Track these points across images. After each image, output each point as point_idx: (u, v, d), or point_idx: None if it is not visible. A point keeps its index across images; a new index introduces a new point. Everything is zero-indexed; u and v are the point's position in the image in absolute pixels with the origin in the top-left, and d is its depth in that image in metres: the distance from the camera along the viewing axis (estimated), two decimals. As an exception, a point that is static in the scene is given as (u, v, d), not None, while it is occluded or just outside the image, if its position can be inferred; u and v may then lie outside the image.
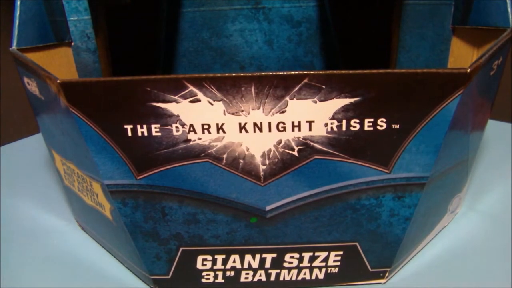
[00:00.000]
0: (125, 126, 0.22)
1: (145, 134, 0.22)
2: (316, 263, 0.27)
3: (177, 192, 0.24)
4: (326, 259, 0.27)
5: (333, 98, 0.22)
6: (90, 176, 0.25)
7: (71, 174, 0.29)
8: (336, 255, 0.26)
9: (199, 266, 0.27)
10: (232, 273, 0.27)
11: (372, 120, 0.22)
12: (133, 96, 0.21)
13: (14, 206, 0.37)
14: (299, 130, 0.22)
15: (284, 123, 0.22)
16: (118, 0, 0.43)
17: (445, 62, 0.37)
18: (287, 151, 0.23)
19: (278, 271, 0.27)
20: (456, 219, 0.33)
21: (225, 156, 0.23)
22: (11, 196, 0.39)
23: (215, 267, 0.27)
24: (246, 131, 0.22)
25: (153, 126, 0.22)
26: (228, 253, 0.26)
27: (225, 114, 0.22)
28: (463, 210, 0.35)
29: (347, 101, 0.22)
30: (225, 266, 0.27)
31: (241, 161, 0.23)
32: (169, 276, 0.27)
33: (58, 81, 0.22)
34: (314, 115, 0.22)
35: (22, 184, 0.41)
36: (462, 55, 0.35)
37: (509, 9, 0.29)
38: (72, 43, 0.35)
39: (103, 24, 0.39)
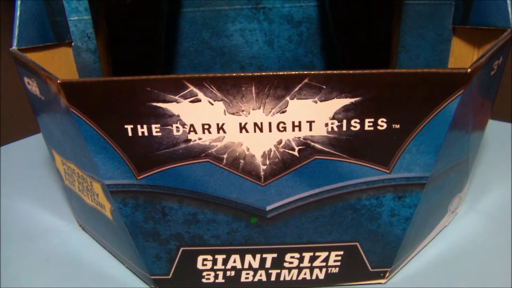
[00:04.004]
0: (126, 126, 0.22)
1: (146, 134, 0.22)
2: (317, 263, 0.27)
3: (177, 192, 0.24)
4: (326, 259, 0.27)
5: (333, 98, 0.22)
6: (91, 176, 0.25)
7: (71, 174, 0.29)
8: (336, 255, 0.26)
9: (199, 266, 0.27)
10: (233, 273, 0.27)
11: (372, 120, 0.22)
12: (133, 96, 0.21)
13: (14, 206, 0.37)
14: (300, 130, 0.22)
15: (284, 123, 0.22)
16: (119, 0, 0.43)
17: (445, 62, 0.37)
18: (288, 151, 0.23)
19: (278, 271, 0.27)
20: (456, 219, 0.33)
21: (225, 156, 0.23)
22: (11, 196, 0.39)
23: (215, 267, 0.27)
24: (247, 131, 0.22)
25: (153, 126, 0.22)
26: (228, 253, 0.26)
27: (225, 114, 0.22)
28: (463, 210, 0.35)
29: (347, 101, 0.22)
30: (225, 266, 0.27)
31: (242, 161, 0.23)
32: (170, 276, 0.27)
33: (58, 81, 0.22)
34: (314, 115, 0.22)
35: (22, 184, 0.41)
36: (462, 55, 0.35)
37: (509, 9, 0.29)
38: (72, 43, 0.35)
39: (103, 24, 0.39)
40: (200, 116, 0.22)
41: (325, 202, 0.24)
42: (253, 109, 0.22)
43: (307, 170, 0.23)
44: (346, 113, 0.22)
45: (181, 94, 0.21)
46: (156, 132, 0.22)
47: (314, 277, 0.27)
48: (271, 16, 0.50)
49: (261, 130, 0.22)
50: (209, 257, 0.26)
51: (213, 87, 0.21)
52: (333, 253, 0.26)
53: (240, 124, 0.22)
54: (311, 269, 0.27)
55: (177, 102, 0.22)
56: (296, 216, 0.25)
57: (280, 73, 0.21)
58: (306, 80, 0.21)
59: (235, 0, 0.49)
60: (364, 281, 0.28)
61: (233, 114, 0.22)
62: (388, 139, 0.23)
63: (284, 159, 0.23)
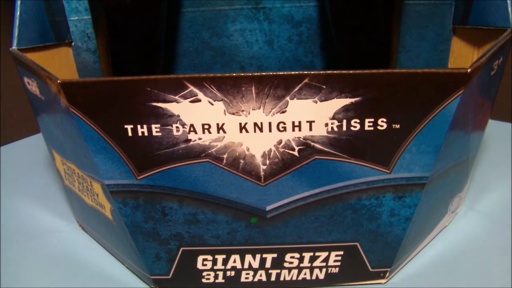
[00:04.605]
0: (126, 126, 0.22)
1: (146, 134, 0.22)
2: (317, 263, 0.27)
3: (178, 192, 0.24)
4: (326, 259, 0.27)
5: (333, 98, 0.22)
6: (91, 176, 0.25)
7: (71, 174, 0.29)
8: (336, 255, 0.26)
9: (199, 266, 0.27)
10: (233, 273, 0.27)
11: (372, 120, 0.22)
12: (133, 96, 0.21)
13: (14, 206, 0.37)
14: (300, 130, 0.22)
15: (284, 123, 0.22)
16: (119, 0, 0.43)
17: (445, 62, 0.37)
18: (288, 151, 0.23)
19: (278, 271, 0.27)
20: (456, 219, 0.33)
21: (225, 156, 0.23)
22: (11, 196, 0.39)
23: (215, 267, 0.27)
24: (247, 131, 0.22)
25: (153, 126, 0.22)
26: (228, 253, 0.26)
27: (225, 114, 0.22)
28: (463, 210, 0.35)
29: (347, 101, 0.22)
30: (225, 266, 0.27)
31: (242, 161, 0.23)
32: (170, 276, 0.27)
33: (58, 81, 0.22)
34: (314, 115, 0.22)
35: (22, 184, 0.41)
36: (462, 55, 0.35)
37: (509, 9, 0.29)
38: (72, 43, 0.35)
39: (104, 24, 0.39)
40: (200, 116, 0.22)
41: (325, 202, 0.24)
42: (253, 109, 0.22)
43: (307, 170, 0.23)
44: (346, 113, 0.22)
45: (181, 94, 0.21)
46: (156, 132, 0.22)
47: (314, 277, 0.27)
48: (271, 16, 0.50)
49: (261, 130, 0.22)
50: (209, 257, 0.26)
51: (213, 87, 0.21)
52: (333, 253, 0.26)
53: (240, 124, 0.22)
54: (311, 269, 0.27)
55: (177, 102, 0.22)
56: (296, 216, 0.25)
57: (280, 73, 0.21)
58: (306, 80, 0.21)
59: (235, 0, 0.49)
60: (364, 281, 0.28)
61: (233, 114, 0.22)
62: (388, 139, 0.23)
63: (284, 159, 0.23)
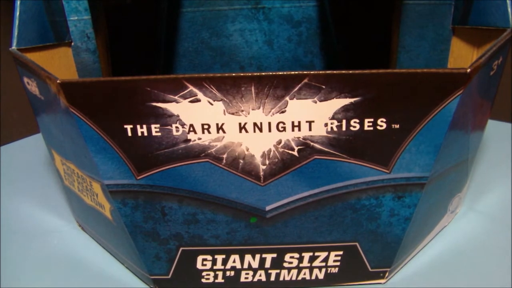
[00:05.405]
0: (125, 126, 0.22)
1: (145, 134, 0.22)
2: (316, 263, 0.27)
3: (177, 192, 0.24)
4: (326, 259, 0.27)
5: (333, 98, 0.22)
6: (90, 176, 0.25)
7: (71, 174, 0.29)
8: (336, 255, 0.26)
9: (199, 266, 0.27)
10: (232, 273, 0.27)
11: (372, 120, 0.22)
12: (133, 96, 0.21)
13: (14, 206, 0.37)
14: (299, 130, 0.22)
15: (284, 123, 0.22)
16: (119, 0, 0.43)
17: (445, 62, 0.37)
18: (287, 151, 0.23)
19: (278, 271, 0.27)
20: (456, 219, 0.33)
21: (225, 156, 0.23)
22: (11, 196, 0.39)
23: (215, 267, 0.27)
24: (246, 131, 0.22)
25: (153, 126, 0.22)
26: (228, 253, 0.26)
27: (225, 114, 0.22)
28: (463, 210, 0.35)
29: (347, 101, 0.22)
30: (225, 266, 0.27)
31: (241, 161, 0.23)
32: (169, 276, 0.27)
33: (58, 81, 0.22)
34: (314, 115, 0.22)
35: (22, 184, 0.41)
36: (462, 55, 0.35)
37: (509, 9, 0.29)
38: (72, 43, 0.35)
39: (103, 24, 0.39)
40: (200, 116, 0.22)
41: (325, 202, 0.24)
42: (252, 109, 0.22)
43: (307, 170, 0.23)
44: (345, 113, 0.22)
45: (180, 94, 0.21)
46: (156, 132, 0.22)
47: (313, 277, 0.27)
48: (271, 16, 0.50)
49: (260, 130, 0.22)
50: (209, 257, 0.26)
51: (212, 87, 0.21)
52: (332, 253, 0.26)
53: (240, 124, 0.22)
54: (311, 269, 0.27)
55: (177, 102, 0.22)
56: (296, 216, 0.25)
57: (280, 73, 0.21)
58: (305, 80, 0.21)
59: (235, 0, 0.49)
60: (363, 281, 0.28)
61: (232, 114, 0.22)
62: (388, 139, 0.23)
63: (284, 159, 0.23)
